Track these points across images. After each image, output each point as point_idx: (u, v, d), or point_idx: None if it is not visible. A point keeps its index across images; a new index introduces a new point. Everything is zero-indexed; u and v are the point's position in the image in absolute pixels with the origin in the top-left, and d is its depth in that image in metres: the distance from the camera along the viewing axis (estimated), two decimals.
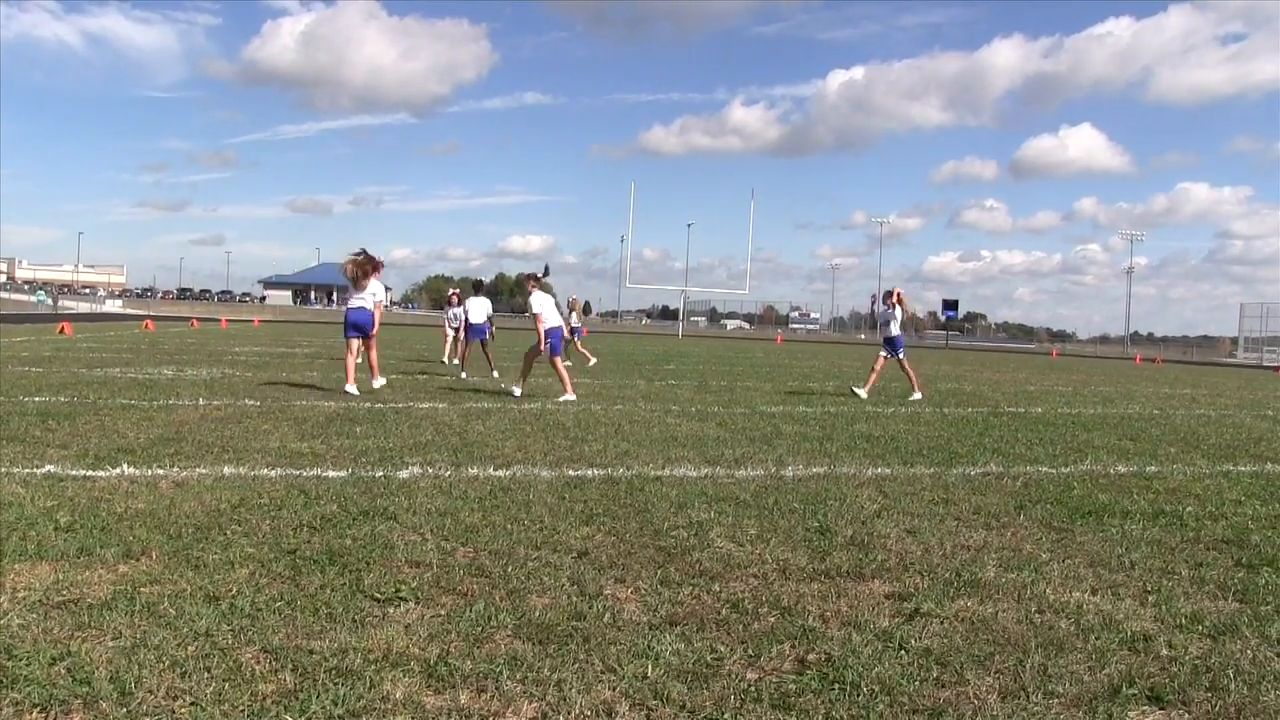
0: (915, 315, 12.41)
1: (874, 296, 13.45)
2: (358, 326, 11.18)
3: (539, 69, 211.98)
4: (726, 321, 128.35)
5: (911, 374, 13.50)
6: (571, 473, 6.39)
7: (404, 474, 6.08)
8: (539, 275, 11.81)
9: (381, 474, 6.06)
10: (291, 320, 68.43)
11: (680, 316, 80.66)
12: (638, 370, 19.30)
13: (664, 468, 6.75)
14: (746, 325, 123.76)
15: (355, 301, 11.18)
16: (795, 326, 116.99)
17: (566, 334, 12.26)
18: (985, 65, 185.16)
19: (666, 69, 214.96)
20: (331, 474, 6.01)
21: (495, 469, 6.44)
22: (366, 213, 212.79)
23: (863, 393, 13.33)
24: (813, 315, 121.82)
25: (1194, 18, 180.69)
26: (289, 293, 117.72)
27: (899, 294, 13.13)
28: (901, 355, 13.19)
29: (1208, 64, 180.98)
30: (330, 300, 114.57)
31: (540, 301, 11.49)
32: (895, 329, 13.12)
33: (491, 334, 15.79)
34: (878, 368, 13.41)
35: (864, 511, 5.52)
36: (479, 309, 15.68)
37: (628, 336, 62.31)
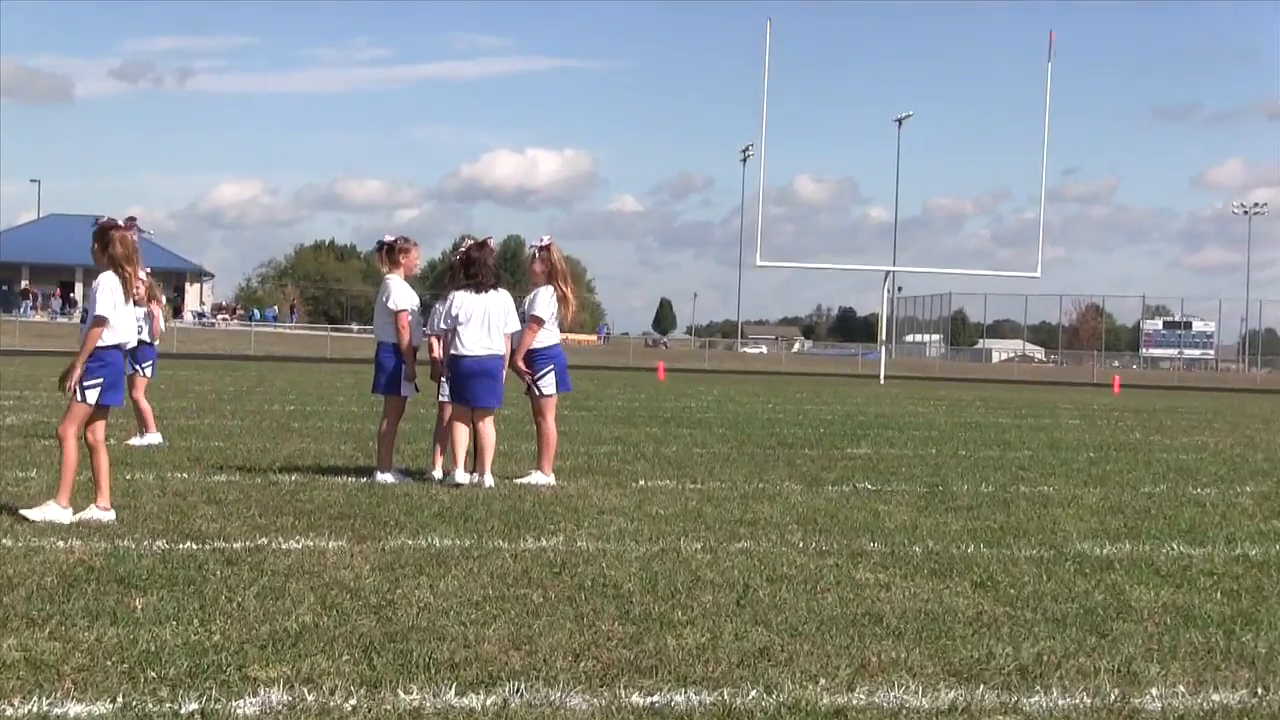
0: (158, 305, 19.76)
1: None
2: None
3: None
4: (990, 344, 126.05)
5: (143, 407, 18.93)
6: (640, 700, 6.48)
7: (249, 708, 6.18)
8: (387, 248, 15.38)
9: (197, 709, 6.13)
10: None
11: (880, 335, 79.80)
12: (783, 457, 19.48)
13: (853, 689, 6.79)
14: (1039, 353, 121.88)
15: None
16: (1157, 352, 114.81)
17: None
18: None
19: None
20: (78, 712, 6.06)
21: (462, 693, 6.49)
22: (153, 98, 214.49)
23: (146, 438, 17.97)
24: (1198, 325, 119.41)
25: None
26: None
27: (147, 283, 18.22)
28: (148, 373, 19.28)
29: None
30: (65, 303, 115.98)
31: (405, 296, 14.85)
32: (146, 331, 18.69)
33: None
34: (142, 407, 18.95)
35: None
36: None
37: (758, 379, 62.41)
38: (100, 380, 11.32)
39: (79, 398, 11.25)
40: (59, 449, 11.50)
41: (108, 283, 11.32)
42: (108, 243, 11.41)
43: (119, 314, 11.38)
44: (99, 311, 11.29)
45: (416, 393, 15.00)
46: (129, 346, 11.91)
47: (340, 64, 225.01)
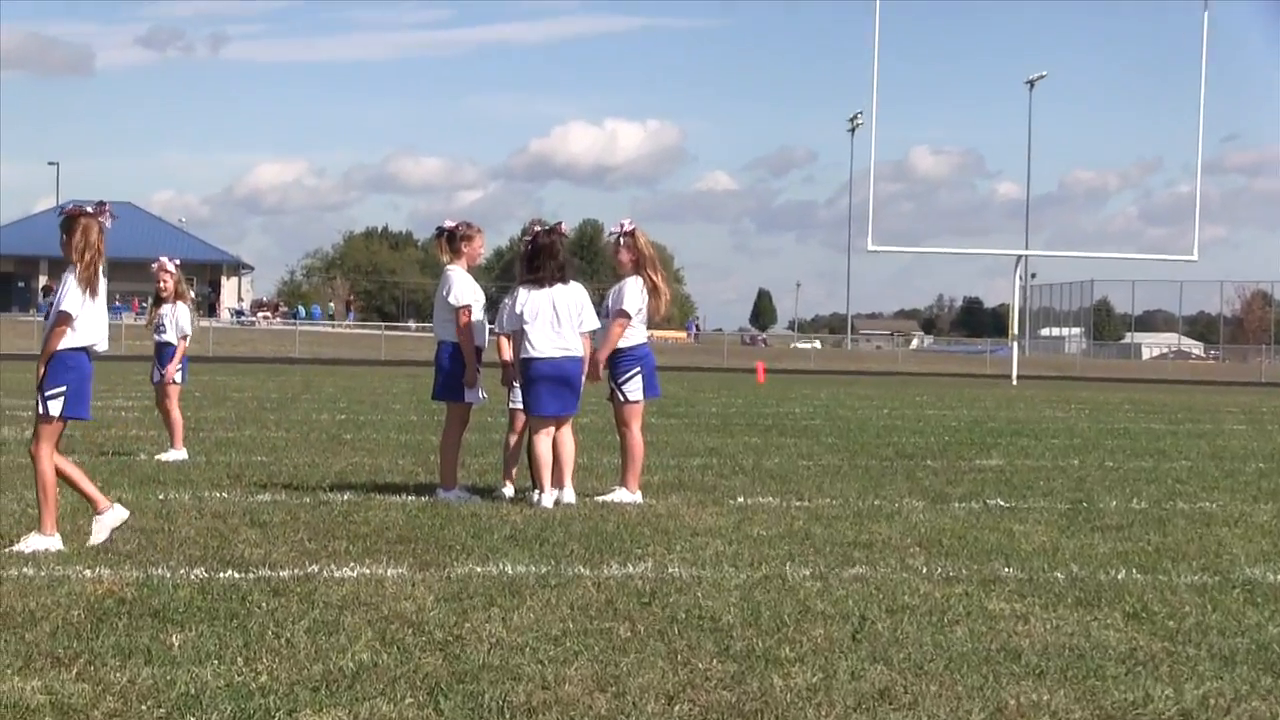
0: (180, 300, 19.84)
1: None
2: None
3: None
4: (1140, 339, 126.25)
5: (175, 418, 19.22)
6: None
7: None
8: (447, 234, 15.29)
9: None
10: None
11: (1012, 329, 79.89)
12: (902, 470, 19.73)
13: None
14: (1198, 348, 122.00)
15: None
16: None
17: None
18: None
19: None
20: None
21: None
22: (183, 69, 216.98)
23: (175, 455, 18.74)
24: None
25: None
26: None
27: (163, 266, 19.64)
28: (179, 379, 19.73)
29: None
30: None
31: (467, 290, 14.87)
32: (171, 331, 19.48)
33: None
34: (173, 415, 19.32)
35: None
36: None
37: (871, 381, 62.60)
38: (63, 388, 11.30)
39: (40, 409, 11.26)
40: (33, 470, 11.42)
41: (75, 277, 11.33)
42: (71, 232, 11.36)
43: (87, 312, 11.30)
44: (63, 307, 11.26)
45: (483, 400, 14.91)
46: (99, 350, 11.73)
47: (391, 27, 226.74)
